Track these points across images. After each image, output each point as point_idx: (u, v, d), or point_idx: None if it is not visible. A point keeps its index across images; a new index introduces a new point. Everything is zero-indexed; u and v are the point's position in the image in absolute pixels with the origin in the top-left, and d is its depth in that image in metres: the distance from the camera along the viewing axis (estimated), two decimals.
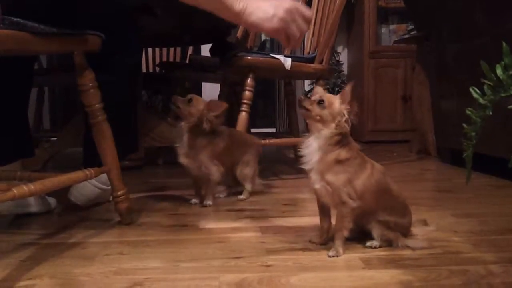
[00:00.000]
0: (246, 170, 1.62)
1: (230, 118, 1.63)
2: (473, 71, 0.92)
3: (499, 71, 0.69)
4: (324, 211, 1.07)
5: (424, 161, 2.67)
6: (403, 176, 2.14)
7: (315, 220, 1.11)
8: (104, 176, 1.30)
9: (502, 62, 0.69)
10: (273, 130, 5.35)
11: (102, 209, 1.47)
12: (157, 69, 3.42)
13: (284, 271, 0.92)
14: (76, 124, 2.32)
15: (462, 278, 0.87)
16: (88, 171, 1.16)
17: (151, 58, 3.46)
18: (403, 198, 1.07)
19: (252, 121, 2.33)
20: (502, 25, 1.82)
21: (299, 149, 1.04)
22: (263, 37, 5.11)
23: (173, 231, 1.23)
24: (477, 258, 0.99)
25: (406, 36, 3.16)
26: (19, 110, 1.45)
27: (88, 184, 1.42)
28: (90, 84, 1.18)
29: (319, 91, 1.04)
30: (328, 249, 1.01)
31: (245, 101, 1.87)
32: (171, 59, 3.47)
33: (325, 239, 1.07)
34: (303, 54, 2.16)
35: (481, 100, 0.71)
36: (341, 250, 1.00)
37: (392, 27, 3.96)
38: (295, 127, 2.44)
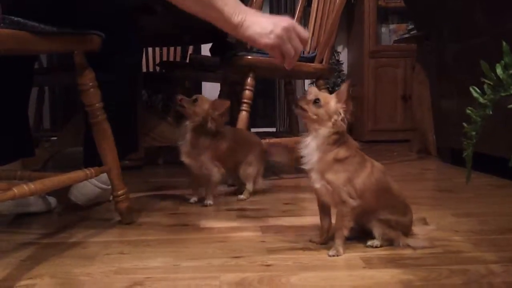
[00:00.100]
0: (249, 170, 1.62)
1: (231, 118, 1.63)
2: (473, 70, 0.92)
3: (499, 71, 0.69)
4: (324, 211, 1.07)
5: (424, 160, 2.66)
6: (403, 175, 2.14)
7: (316, 219, 1.11)
8: (104, 176, 1.30)
9: (502, 62, 0.69)
10: (273, 129, 5.34)
11: (103, 209, 1.47)
12: (157, 68, 3.41)
13: (285, 270, 0.92)
14: (76, 123, 2.32)
15: (462, 278, 0.87)
16: (88, 171, 1.16)
17: (151, 58, 3.46)
18: (404, 196, 1.07)
19: (252, 121, 2.33)
20: (502, 25, 1.82)
21: (298, 149, 1.04)
22: None
23: (173, 230, 1.23)
24: (477, 257, 0.99)
25: (406, 35, 3.15)
26: (19, 109, 1.45)
27: (88, 184, 1.42)
28: (90, 84, 1.18)
29: (314, 91, 1.04)
30: (329, 248, 1.01)
31: (245, 100, 1.88)
32: (171, 59, 3.47)
33: (325, 239, 1.07)
34: (303, 53, 2.16)
35: (481, 100, 0.71)
36: (341, 250, 1.00)
37: (392, 26, 3.96)
38: (295, 127, 2.45)
